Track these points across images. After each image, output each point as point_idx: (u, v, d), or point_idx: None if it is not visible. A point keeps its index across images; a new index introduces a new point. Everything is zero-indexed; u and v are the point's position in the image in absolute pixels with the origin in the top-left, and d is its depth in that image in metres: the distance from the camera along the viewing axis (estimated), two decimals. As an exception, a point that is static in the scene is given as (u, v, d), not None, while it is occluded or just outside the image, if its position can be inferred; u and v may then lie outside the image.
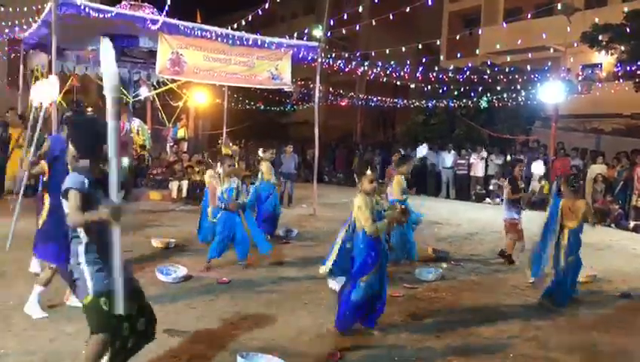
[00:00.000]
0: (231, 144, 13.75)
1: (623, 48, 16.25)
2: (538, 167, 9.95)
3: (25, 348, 4.16)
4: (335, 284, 6.13)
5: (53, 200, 4.78)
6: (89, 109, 15.98)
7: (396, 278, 6.68)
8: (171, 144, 16.16)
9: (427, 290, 6.42)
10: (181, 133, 16.92)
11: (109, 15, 9.73)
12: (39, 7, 11.21)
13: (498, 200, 15.70)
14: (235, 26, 11.29)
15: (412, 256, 7.48)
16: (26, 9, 12.93)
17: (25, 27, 12.77)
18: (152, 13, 11.66)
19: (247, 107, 23.74)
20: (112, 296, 3.23)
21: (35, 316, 4.78)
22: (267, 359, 4.05)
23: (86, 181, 3.26)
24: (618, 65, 16.60)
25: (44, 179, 5.18)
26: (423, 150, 9.29)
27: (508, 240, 8.09)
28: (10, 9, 13.41)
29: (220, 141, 16.30)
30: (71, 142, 3.57)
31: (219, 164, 7.30)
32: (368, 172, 4.73)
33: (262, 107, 24.71)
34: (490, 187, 16.32)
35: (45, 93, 6.96)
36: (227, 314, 5.19)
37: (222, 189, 6.94)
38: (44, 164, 5.16)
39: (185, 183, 13.08)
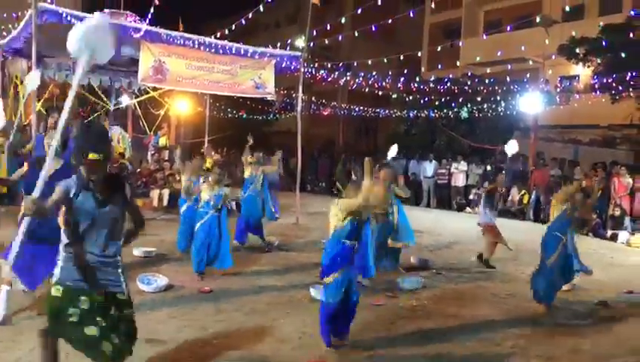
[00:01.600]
0: (213, 153, 13.69)
1: (599, 61, 16.59)
2: (512, 146, 10.07)
3: (2, 359, 4.10)
4: (317, 293, 6.15)
5: None
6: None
7: (377, 287, 6.72)
8: (152, 152, 16.05)
9: (408, 299, 6.47)
10: (162, 141, 16.81)
11: (91, 23, 9.65)
12: (19, 14, 11.10)
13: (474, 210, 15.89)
14: (219, 35, 11.29)
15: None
16: (5, 15, 12.78)
17: (5, 34, 12.62)
18: (134, 21, 11.63)
19: (230, 115, 23.70)
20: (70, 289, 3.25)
21: None
22: (249, 368, 4.05)
23: (74, 186, 3.25)
24: (595, 77, 16.94)
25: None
26: (392, 150, 9.38)
27: (487, 244, 8.24)
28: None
29: (202, 149, 16.23)
30: (75, 149, 3.57)
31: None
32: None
33: (244, 116, 24.68)
34: (471, 196, 16.49)
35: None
36: (209, 324, 5.17)
37: (210, 195, 6.94)
38: (24, 168, 5.15)
39: (166, 192, 12.98)
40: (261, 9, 10.94)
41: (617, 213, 12.67)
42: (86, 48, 3.34)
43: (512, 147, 10.00)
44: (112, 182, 3.41)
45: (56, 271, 3.32)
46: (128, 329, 3.41)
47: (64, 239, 3.33)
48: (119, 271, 3.46)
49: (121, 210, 3.42)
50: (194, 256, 6.85)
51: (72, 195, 3.25)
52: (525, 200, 15.25)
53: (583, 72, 19.50)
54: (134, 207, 3.63)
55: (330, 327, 4.71)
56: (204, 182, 7.27)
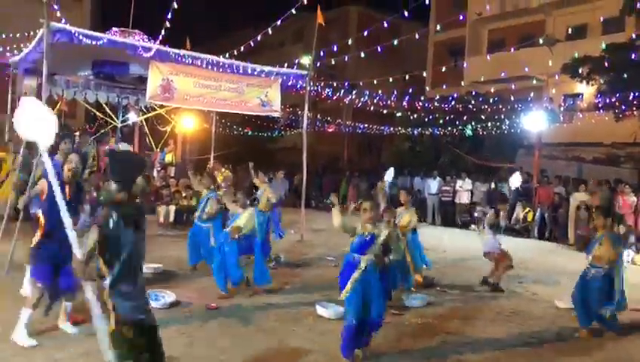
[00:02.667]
0: (223, 169, 13.78)
1: (602, 80, 16.71)
2: (515, 179, 10.16)
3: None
4: (323, 311, 6.20)
5: (49, 221, 4.89)
6: (76, 134, 16.06)
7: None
8: (159, 169, 16.19)
9: (414, 316, 6.50)
10: (169, 157, 16.96)
11: (101, 42, 9.84)
12: (31, 33, 11.31)
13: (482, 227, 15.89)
14: (227, 55, 11.47)
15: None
16: (18, 35, 13.01)
17: (16, 52, 12.84)
18: (142, 40, 11.81)
19: (235, 132, 23.89)
20: (136, 325, 3.36)
21: (23, 343, 4.72)
22: (257, 385, 4.09)
23: (114, 217, 3.33)
24: (598, 96, 17.04)
25: (41, 199, 5.17)
26: (389, 174, 9.44)
27: (500, 271, 8.16)
28: (4, 35, 13.50)
29: (208, 166, 16.34)
30: (110, 175, 3.65)
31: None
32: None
33: (250, 132, 24.87)
34: (476, 214, 16.51)
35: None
36: (217, 340, 5.22)
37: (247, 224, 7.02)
38: (44, 183, 5.13)
39: (172, 208, 13.07)
40: (269, 32, 11.10)
41: (622, 230, 12.66)
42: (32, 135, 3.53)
43: (515, 180, 10.07)
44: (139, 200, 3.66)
45: (117, 307, 3.38)
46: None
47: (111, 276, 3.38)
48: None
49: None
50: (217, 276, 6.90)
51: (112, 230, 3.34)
52: (530, 218, 15.27)
53: (587, 91, 19.63)
54: None
55: (353, 344, 4.78)
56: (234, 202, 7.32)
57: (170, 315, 5.91)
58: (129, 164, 3.56)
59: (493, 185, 16.78)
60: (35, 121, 3.35)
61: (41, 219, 5.03)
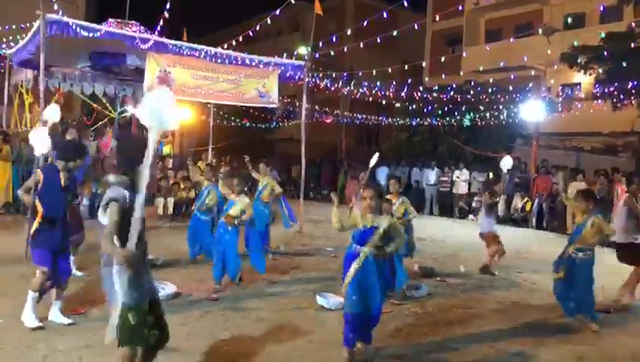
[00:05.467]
0: (210, 158, 13.73)
1: (600, 70, 16.70)
2: (506, 162, 10.15)
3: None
4: (324, 301, 6.21)
5: (45, 209, 5.13)
6: (73, 124, 16.01)
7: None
8: (157, 161, 16.14)
9: (414, 307, 6.52)
10: (166, 149, 16.94)
11: (99, 34, 9.79)
12: (27, 24, 11.24)
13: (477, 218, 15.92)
14: (225, 46, 11.43)
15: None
16: (14, 26, 12.93)
17: (12, 44, 12.76)
18: (139, 31, 11.75)
19: (233, 124, 23.83)
20: (140, 309, 3.37)
21: (30, 325, 4.87)
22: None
23: (127, 195, 3.40)
24: (597, 85, 17.04)
25: (38, 187, 5.32)
26: (374, 159, 9.38)
27: (489, 253, 8.34)
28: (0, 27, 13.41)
29: (202, 158, 16.29)
30: (117, 155, 3.67)
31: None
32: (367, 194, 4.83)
33: (247, 124, 24.81)
34: (474, 204, 16.55)
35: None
36: (217, 331, 5.24)
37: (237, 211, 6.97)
38: (39, 173, 5.37)
39: (171, 200, 13.07)
40: (268, 21, 11.06)
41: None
42: (156, 122, 3.43)
43: (506, 163, 10.05)
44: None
45: (121, 295, 3.37)
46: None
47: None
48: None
49: None
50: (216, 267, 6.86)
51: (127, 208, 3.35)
52: (528, 208, 15.31)
53: (585, 80, 19.62)
54: None
55: (353, 336, 4.70)
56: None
57: (170, 307, 5.91)
58: (134, 150, 3.56)
59: (491, 175, 16.80)
60: (164, 109, 3.30)
61: (38, 207, 5.18)
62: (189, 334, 5.10)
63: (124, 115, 16.43)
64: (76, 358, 4.32)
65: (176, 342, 4.77)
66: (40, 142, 6.58)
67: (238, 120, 24.06)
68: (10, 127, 14.26)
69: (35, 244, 5.16)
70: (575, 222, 6.61)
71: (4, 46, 13.41)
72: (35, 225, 5.15)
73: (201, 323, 5.49)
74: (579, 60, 16.95)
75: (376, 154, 9.38)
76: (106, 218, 3.39)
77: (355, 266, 4.67)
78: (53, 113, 7.36)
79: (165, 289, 6.38)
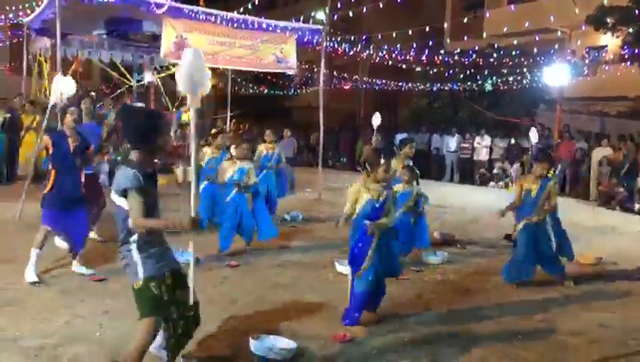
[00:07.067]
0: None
1: (630, 30, 16.10)
2: (533, 135, 10.00)
3: (40, 331, 4.23)
4: (342, 268, 6.19)
5: (56, 172, 5.48)
6: (92, 93, 16.02)
7: (403, 262, 6.71)
8: (175, 129, 16.14)
9: (433, 273, 6.48)
10: (185, 117, 16.87)
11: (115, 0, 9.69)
12: (43, -9, 11.15)
13: (501, 183, 15.72)
14: (242, 10, 11.25)
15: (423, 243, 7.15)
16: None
17: (28, 12, 12.72)
18: (155, -4, 11.59)
19: (250, 91, 23.69)
20: (162, 280, 3.36)
21: (29, 279, 5.23)
22: (278, 341, 4.11)
23: (139, 175, 3.28)
24: (625, 47, 16.46)
25: (48, 154, 5.70)
26: (376, 119, 9.18)
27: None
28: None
29: (217, 127, 16.22)
30: (123, 132, 3.63)
31: (232, 146, 7.34)
32: (382, 161, 4.70)
33: (265, 91, 24.64)
34: (495, 171, 16.33)
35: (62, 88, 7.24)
36: (237, 297, 5.26)
37: (234, 170, 6.98)
38: (46, 139, 5.70)
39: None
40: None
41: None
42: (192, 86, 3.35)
43: (534, 136, 9.89)
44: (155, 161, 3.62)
45: (141, 267, 3.35)
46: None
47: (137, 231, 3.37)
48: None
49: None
50: (222, 235, 6.89)
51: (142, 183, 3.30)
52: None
53: (612, 43, 18.96)
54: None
55: (360, 313, 4.69)
56: (229, 158, 7.29)
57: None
58: (142, 123, 3.43)
59: (512, 141, 16.50)
60: (196, 72, 3.27)
61: (51, 170, 5.52)
62: (208, 300, 5.09)
63: (141, 82, 16.38)
64: (96, 324, 4.37)
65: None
66: (65, 86, 6.99)
67: (255, 87, 23.91)
68: (36, 98, 14.32)
69: (44, 205, 5.48)
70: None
71: (21, 14, 13.37)
72: (47, 187, 5.48)
73: (220, 289, 5.52)
74: (607, 21, 16.35)
75: (377, 114, 9.21)
76: (123, 201, 3.32)
77: (370, 252, 4.60)
78: (68, 86, 7.33)
79: (185, 254, 6.41)
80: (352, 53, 17.35)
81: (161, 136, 3.50)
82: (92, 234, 6.67)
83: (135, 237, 3.34)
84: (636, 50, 15.26)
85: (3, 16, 14.20)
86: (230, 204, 6.93)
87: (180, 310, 3.46)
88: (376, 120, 9.03)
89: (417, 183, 7.06)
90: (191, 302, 3.46)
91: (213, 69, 16.29)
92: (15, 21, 14.06)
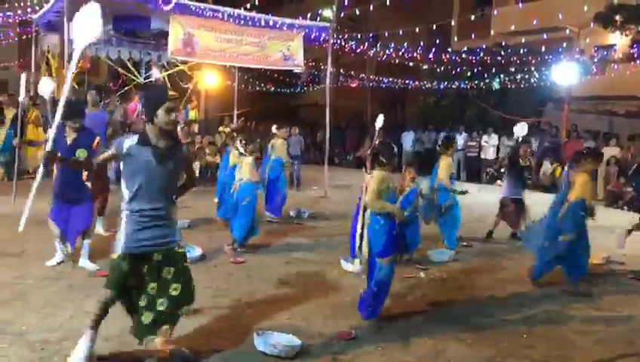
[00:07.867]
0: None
1: (639, 29, 15.98)
2: (520, 129, 9.89)
3: (46, 325, 4.25)
4: (348, 265, 6.19)
5: (58, 167, 5.53)
6: (93, 91, 16.05)
7: (409, 260, 6.71)
8: (182, 126, 16.15)
9: (439, 271, 6.46)
10: (192, 114, 16.91)
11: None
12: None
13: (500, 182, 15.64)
14: (249, 6, 11.25)
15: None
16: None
17: (37, 8, 12.77)
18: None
19: (257, 89, 23.67)
20: (128, 259, 3.47)
21: (49, 263, 5.65)
22: (282, 337, 4.11)
23: (127, 141, 3.47)
24: (634, 46, 16.34)
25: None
26: (379, 120, 9.14)
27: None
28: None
29: (224, 124, 16.23)
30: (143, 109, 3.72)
31: (238, 142, 7.37)
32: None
33: (272, 89, 24.62)
34: (502, 169, 16.25)
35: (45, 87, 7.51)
36: (242, 294, 5.26)
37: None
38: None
39: (197, 165, 13.13)
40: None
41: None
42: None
43: (520, 130, 9.78)
44: (175, 140, 3.66)
45: (121, 236, 3.51)
46: (185, 283, 3.67)
47: (125, 197, 3.54)
48: (172, 223, 3.68)
49: (178, 167, 3.69)
50: (242, 228, 6.87)
51: (125, 149, 3.45)
52: (557, 174, 14.95)
53: (621, 42, 18.81)
54: (190, 166, 4.03)
55: (383, 304, 4.75)
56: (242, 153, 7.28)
57: (196, 269, 5.94)
58: (151, 95, 3.61)
59: (520, 140, 16.39)
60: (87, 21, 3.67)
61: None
62: (213, 296, 5.13)
63: (149, 79, 16.41)
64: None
65: (200, 304, 4.81)
66: (45, 87, 7.29)
67: (262, 85, 23.88)
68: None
69: (52, 200, 5.67)
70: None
71: (29, 10, 13.44)
72: (53, 183, 5.64)
73: (226, 285, 5.52)
74: (616, 19, 16.23)
75: (380, 116, 9.21)
76: None
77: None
78: (46, 87, 7.49)
79: (191, 251, 6.43)
80: (359, 50, 17.31)
81: (167, 113, 3.48)
82: (100, 230, 6.70)
83: (122, 205, 3.56)
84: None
85: (12, 13, 14.27)
86: (251, 201, 6.95)
87: (138, 298, 3.58)
88: (380, 122, 9.03)
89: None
90: (172, 295, 3.58)
91: (219, 66, 16.39)
92: (24, 18, 14.13)
